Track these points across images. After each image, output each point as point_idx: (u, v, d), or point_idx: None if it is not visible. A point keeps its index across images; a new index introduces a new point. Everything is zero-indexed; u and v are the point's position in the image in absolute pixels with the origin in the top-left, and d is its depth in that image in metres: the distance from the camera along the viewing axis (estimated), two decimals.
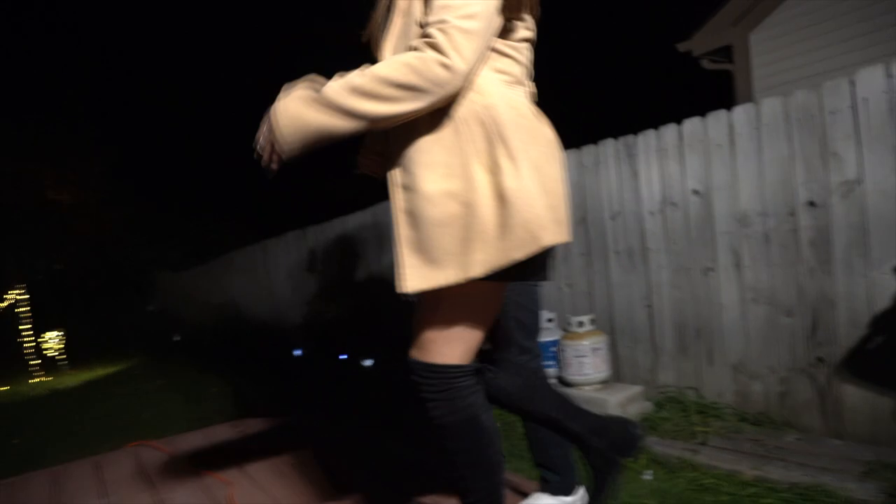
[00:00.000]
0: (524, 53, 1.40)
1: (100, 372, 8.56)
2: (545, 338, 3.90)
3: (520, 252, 1.23)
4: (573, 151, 4.11)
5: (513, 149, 1.26)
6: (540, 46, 1.47)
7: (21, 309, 8.74)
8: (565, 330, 3.81)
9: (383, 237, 6.02)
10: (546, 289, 4.33)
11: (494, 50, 1.33)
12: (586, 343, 3.59)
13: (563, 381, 3.73)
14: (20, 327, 8.55)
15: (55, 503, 2.29)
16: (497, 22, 1.28)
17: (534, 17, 1.40)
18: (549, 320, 3.99)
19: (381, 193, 5.61)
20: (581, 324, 3.68)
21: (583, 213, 4.08)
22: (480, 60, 1.26)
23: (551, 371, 3.88)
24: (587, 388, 3.62)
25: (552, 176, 1.32)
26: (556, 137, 1.41)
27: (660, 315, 3.68)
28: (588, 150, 4.03)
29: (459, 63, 1.20)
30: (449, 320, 1.36)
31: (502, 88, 1.32)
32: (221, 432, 3.08)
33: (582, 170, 4.07)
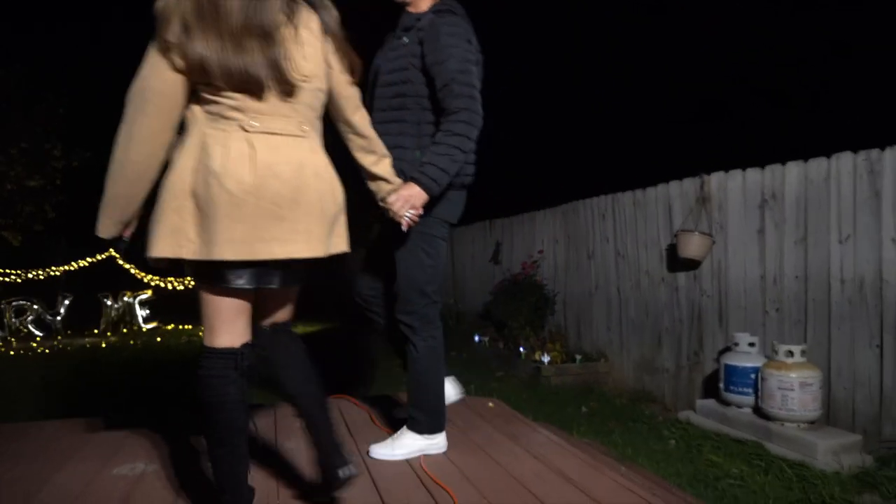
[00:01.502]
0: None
1: (301, 329, 9.60)
2: (745, 363, 3.61)
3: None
4: (797, 163, 3.74)
5: None
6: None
7: None
8: (769, 358, 3.49)
9: (571, 237, 5.98)
10: (748, 310, 4.01)
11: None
12: (794, 376, 3.26)
13: (763, 413, 3.42)
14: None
15: (277, 432, 2.64)
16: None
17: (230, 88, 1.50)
18: (751, 344, 3.68)
19: (571, 192, 5.54)
20: (790, 353, 3.34)
21: (802, 232, 3.69)
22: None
23: (748, 400, 3.58)
24: (791, 425, 3.28)
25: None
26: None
27: (892, 358, 3.21)
28: (817, 164, 3.63)
29: None
30: None
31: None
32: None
33: (807, 184, 3.68)
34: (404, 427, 2.40)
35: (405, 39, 2.23)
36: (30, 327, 8.74)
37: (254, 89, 1.51)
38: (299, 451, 2.37)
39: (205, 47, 1.44)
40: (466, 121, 2.12)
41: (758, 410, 3.51)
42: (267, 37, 1.50)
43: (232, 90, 1.51)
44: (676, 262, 4.45)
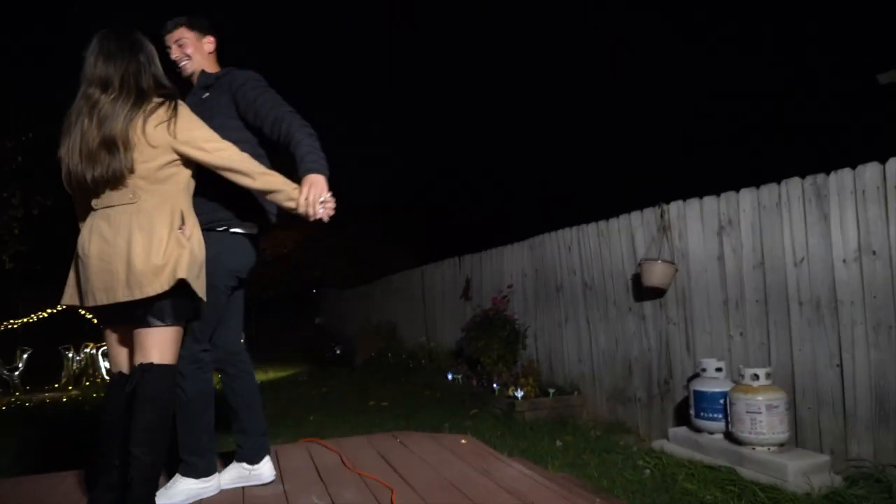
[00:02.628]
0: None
1: (272, 375, 9.42)
2: (713, 388, 3.65)
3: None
4: (750, 190, 3.88)
5: None
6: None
7: None
8: (736, 382, 3.54)
9: (538, 270, 6.04)
10: (714, 335, 4.08)
11: None
12: (761, 398, 3.31)
13: (733, 438, 3.45)
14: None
15: None
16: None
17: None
18: (718, 369, 3.73)
19: (542, 225, 5.63)
20: (756, 377, 3.40)
21: (759, 257, 3.80)
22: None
23: (718, 426, 3.61)
24: (761, 448, 3.32)
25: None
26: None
27: (852, 377, 3.29)
28: (769, 190, 3.77)
29: None
30: None
31: None
32: (382, 440, 3.26)
33: (760, 210, 3.81)
34: (177, 474, 2.37)
35: (206, 94, 2.44)
36: None
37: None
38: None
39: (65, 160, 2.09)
40: (310, 133, 2.25)
41: (729, 435, 3.54)
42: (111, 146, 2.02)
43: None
44: (642, 290, 4.53)
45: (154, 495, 2.07)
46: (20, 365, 8.72)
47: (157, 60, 2.19)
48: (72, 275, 2.15)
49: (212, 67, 2.53)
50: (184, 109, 2.13)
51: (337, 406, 5.91)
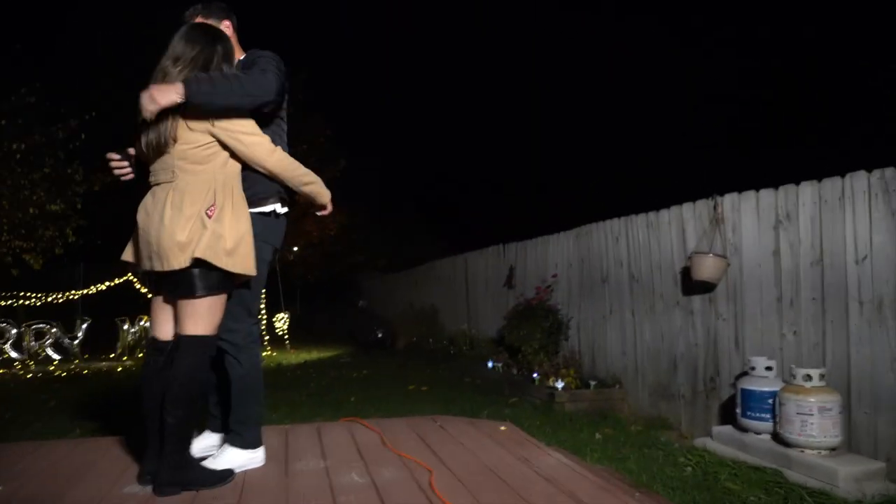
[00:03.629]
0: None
1: (315, 355, 9.61)
2: (762, 387, 3.54)
3: None
4: (811, 183, 3.72)
5: None
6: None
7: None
8: (787, 382, 3.42)
9: (584, 260, 5.95)
10: (765, 333, 3.95)
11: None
12: (813, 400, 3.19)
13: (781, 440, 3.34)
14: (259, 306, 9.99)
15: (289, 453, 2.63)
16: None
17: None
18: (768, 368, 3.61)
19: (588, 215, 5.56)
20: (808, 377, 3.27)
21: (818, 253, 3.65)
22: None
23: (766, 426, 3.50)
24: (811, 451, 3.20)
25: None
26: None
27: None
28: (831, 183, 3.61)
29: None
30: None
31: None
32: (422, 423, 3.29)
33: (821, 204, 3.65)
34: (225, 444, 2.45)
35: None
36: (48, 350, 8.82)
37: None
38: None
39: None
40: (256, 80, 2.21)
41: (776, 436, 3.43)
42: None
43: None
44: (691, 284, 4.41)
45: (185, 460, 2.17)
46: (80, 334, 9.13)
47: (232, 59, 2.34)
48: (132, 237, 2.34)
49: (235, 51, 2.52)
50: None
51: (377, 389, 5.98)
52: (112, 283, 10.01)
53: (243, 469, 2.40)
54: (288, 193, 2.52)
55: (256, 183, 2.39)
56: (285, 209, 2.54)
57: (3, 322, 8.61)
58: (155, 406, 2.17)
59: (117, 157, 2.29)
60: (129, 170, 2.30)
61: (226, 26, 2.54)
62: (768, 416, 3.50)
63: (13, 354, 8.46)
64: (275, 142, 2.38)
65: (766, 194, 4.01)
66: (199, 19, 2.47)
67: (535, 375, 5.66)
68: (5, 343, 8.50)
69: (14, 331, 8.60)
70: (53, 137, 9.65)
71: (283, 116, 2.55)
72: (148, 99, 2.09)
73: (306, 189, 2.51)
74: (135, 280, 9.83)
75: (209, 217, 2.15)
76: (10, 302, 9.37)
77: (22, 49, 9.44)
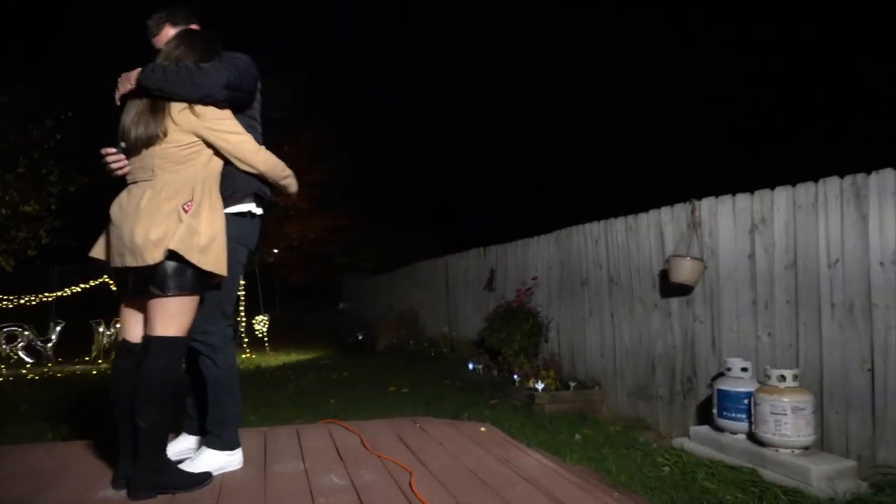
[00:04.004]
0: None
1: (294, 357, 9.54)
2: (737, 388, 3.59)
3: None
4: (785, 189, 3.79)
5: None
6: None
7: (240, 292, 10.12)
8: (762, 383, 3.48)
9: (564, 263, 6.00)
10: (741, 335, 4.02)
11: None
12: (787, 400, 3.25)
13: (757, 440, 3.40)
14: (238, 308, 9.91)
15: (267, 455, 2.61)
16: None
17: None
18: (744, 369, 3.68)
19: (568, 218, 5.58)
20: (782, 378, 3.34)
21: (792, 256, 3.72)
22: None
23: (741, 426, 3.56)
24: (784, 451, 3.26)
25: None
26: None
27: (883, 382, 3.21)
28: (805, 189, 3.69)
29: None
30: None
31: None
32: (402, 425, 3.29)
33: (795, 209, 3.72)
34: (203, 446, 2.44)
35: None
36: (20, 354, 8.64)
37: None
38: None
39: None
40: (206, 73, 2.24)
41: (752, 436, 3.49)
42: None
43: None
44: (669, 287, 4.47)
45: (161, 463, 2.15)
46: (53, 337, 8.97)
47: (203, 57, 2.34)
48: (104, 233, 2.33)
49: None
50: None
51: (357, 390, 5.96)
52: (87, 286, 9.84)
53: (221, 471, 2.38)
54: (262, 193, 2.51)
55: (235, 182, 2.39)
56: (260, 210, 2.53)
57: None
58: (127, 409, 2.14)
59: (113, 150, 2.26)
60: (126, 163, 2.24)
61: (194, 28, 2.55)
62: (744, 416, 3.56)
63: None
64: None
65: (742, 198, 4.08)
66: (167, 27, 2.45)
67: (515, 377, 5.69)
68: None
69: None
70: (28, 138, 9.48)
71: (255, 116, 2.54)
72: (122, 80, 2.26)
73: (283, 182, 2.55)
74: (110, 282, 9.67)
75: (185, 212, 2.14)
76: None
77: None
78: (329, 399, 5.42)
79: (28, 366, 8.41)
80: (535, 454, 2.81)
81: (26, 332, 8.75)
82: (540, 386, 5.22)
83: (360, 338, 10.33)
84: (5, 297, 9.32)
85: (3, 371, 7.97)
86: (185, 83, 2.20)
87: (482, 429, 3.24)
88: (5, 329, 8.64)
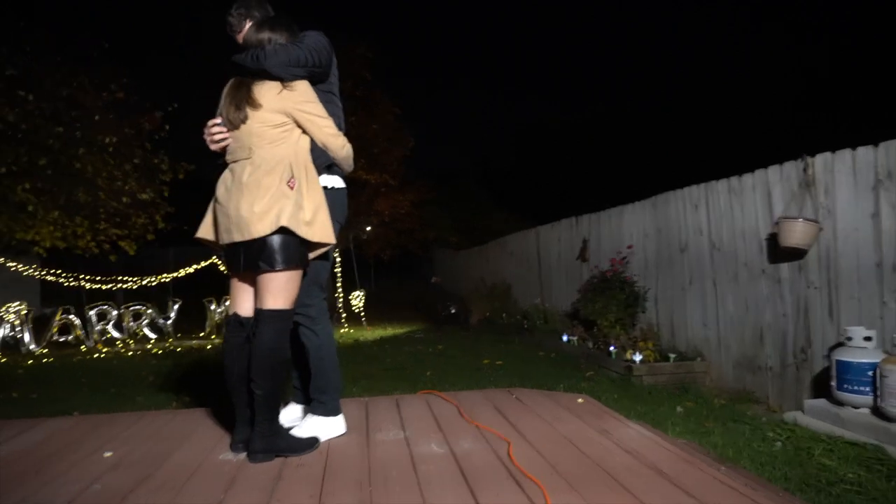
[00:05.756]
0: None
1: (390, 331, 9.81)
2: (860, 358, 3.32)
3: None
4: None
5: None
6: None
7: (335, 268, 10.51)
8: (889, 353, 3.19)
9: (661, 230, 5.75)
10: (863, 301, 3.69)
11: None
12: None
13: (882, 414, 3.14)
14: (335, 284, 10.29)
15: (369, 424, 2.71)
16: None
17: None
18: (867, 338, 3.38)
19: (662, 184, 5.34)
20: None
21: None
22: None
23: (865, 399, 3.29)
24: None
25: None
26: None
27: None
28: None
29: None
30: None
31: None
32: (498, 395, 3.30)
33: None
34: (309, 413, 2.55)
35: None
36: (145, 330, 9.45)
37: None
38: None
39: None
40: (284, 49, 2.32)
41: (877, 411, 3.22)
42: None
43: None
44: (778, 252, 4.18)
45: (276, 429, 2.28)
46: (172, 315, 9.72)
47: (288, 35, 2.41)
48: (208, 214, 2.46)
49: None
50: (304, 83, 2.37)
51: (452, 363, 6.05)
52: (198, 266, 10.57)
53: (328, 437, 2.50)
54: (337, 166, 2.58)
55: (317, 157, 2.47)
56: (343, 184, 2.62)
57: (104, 304, 9.28)
58: (239, 379, 2.29)
59: (219, 121, 2.39)
60: (227, 135, 2.37)
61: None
62: (868, 389, 3.29)
63: (115, 334, 9.12)
64: (335, 120, 2.49)
65: (865, 152, 3.71)
66: (248, 23, 2.52)
67: (611, 349, 5.56)
68: (108, 324, 9.16)
69: (115, 312, 9.25)
70: (141, 129, 10.22)
71: (333, 91, 2.60)
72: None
73: (343, 161, 2.59)
74: (219, 262, 10.35)
75: (290, 188, 2.24)
76: (110, 286, 10.09)
77: (110, 46, 9.96)
78: (425, 371, 5.54)
79: (152, 341, 9.19)
80: (635, 426, 2.74)
81: (149, 311, 9.54)
82: (638, 357, 5.08)
83: (453, 311, 10.44)
84: (130, 279, 10.19)
85: (132, 346, 8.76)
86: (263, 62, 2.28)
87: (579, 400, 3.19)
88: (131, 308, 9.46)
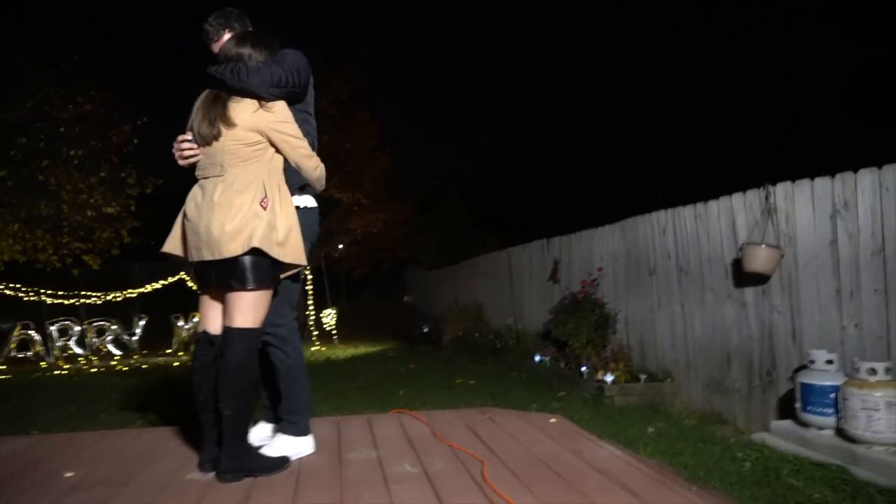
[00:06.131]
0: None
1: (362, 349, 9.75)
2: (823, 381, 3.41)
3: None
4: (871, 171, 3.57)
5: None
6: None
7: (307, 286, 10.42)
8: (850, 376, 3.29)
9: (630, 252, 5.86)
10: (823, 325, 3.81)
11: None
12: (879, 395, 3.06)
13: (845, 435, 3.22)
14: (307, 302, 10.19)
15: (341, 444, 2.68)
16: None
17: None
18: (829, 362, 3.49)
19: (631, 208, 5.44)
20: (873, 371, 3.15)
21: (879, 242, 3.49)
22: None
23: (828, 421, 3.38)
24: (879, 448, 3.08)
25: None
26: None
27: None
28: (892, 170, 3.44)
29: None
30: None
31: None
32: (471, 415, 3.30)
33: (882, 192, 3.50)
34: (278, 433, 2.54)
35: None
36: (109, 347, 9.21)
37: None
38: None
39: None
40: (258, 68, 2.30)
41: (840, 432, 3.31)
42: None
43: None
44: (743, 276, 4.29)
45: (244, 449, 2.24)
46: (137, 331, 9.51)
47: (266, 53, 2.39)
48: (176, 228, 2.42)
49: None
50: (281, 103, 2.35)
51: (424, 382, 6.03)
52: (166, 282, 10.37)
53: (298, 456, 2.47)
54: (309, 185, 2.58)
55: (289, 177, 2.45)
56: (314, 203, 2.61)
57: (66, 320, 9.03)
58: (208, 397, 2.25)
59: (190, 136, 2.35)
60: (197, 151, 2.33)
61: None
62: (831, 410, 3.38)
63: (77, 350, 8.87)
64: (309, 139, 2.48)
65: (822, 182, 3.86)
66: (226, 34, 2.50)
67: (583, 369, 5.60)
68: (69, 340, 8.92)
69: (77, 328, 9.01)
70: (108, 142, 10.04)
71: (308, 110, 2.60)
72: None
73: (315, 182, 2.57)
74: (187, 279, 10.17)
75: (263, 208, 2.22)
76: (72, 301, 9.81)
77: (78, 59, 9.80)
78: (398, 390, 5.51)
79: (116, 358, 8.95)
80: (607, 446, 2.77)
81: (114, 327, 9.31)
82: (609, 378, 5.13)
83: (426, 330, 10.42)
84: (93, 294, 9.94)
85: (95, 362, 8.52)
86: (245, 80, 2.25)
87: (552, 420, 3.21)
88: (95, 324, 9.23)
